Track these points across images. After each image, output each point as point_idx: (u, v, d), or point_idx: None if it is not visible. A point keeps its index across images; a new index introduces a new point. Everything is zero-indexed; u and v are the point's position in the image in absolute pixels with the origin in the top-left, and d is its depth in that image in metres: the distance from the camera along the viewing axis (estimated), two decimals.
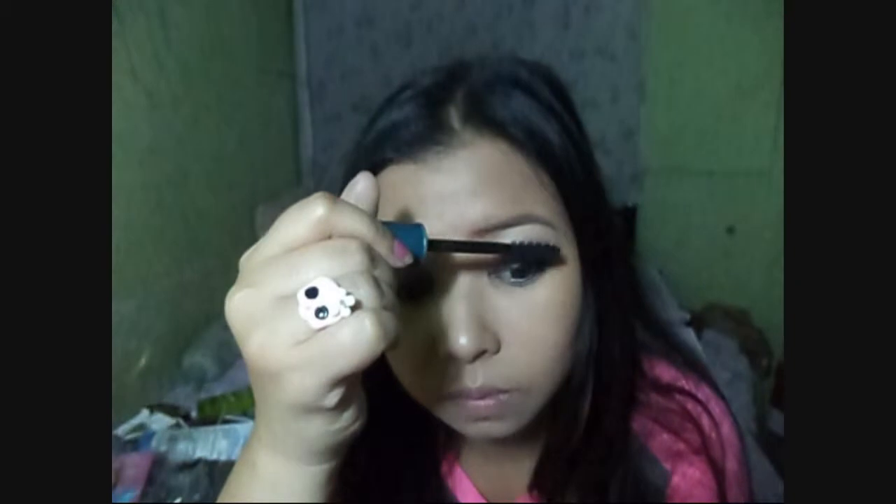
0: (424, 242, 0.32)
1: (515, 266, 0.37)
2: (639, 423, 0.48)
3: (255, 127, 2.11)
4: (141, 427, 1.43)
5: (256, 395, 0.30)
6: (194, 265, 1.75)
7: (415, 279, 0.36)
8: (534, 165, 0.38)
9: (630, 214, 2.23)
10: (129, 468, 1.24)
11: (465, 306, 0.36)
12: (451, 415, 0.40)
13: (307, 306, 0.25)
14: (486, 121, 0.38)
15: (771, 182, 1.96)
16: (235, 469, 0.34)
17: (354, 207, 0.28)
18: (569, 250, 0.39)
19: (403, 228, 0.31)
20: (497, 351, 0.37)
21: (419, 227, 0.32)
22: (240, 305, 0.27)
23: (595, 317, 0.41)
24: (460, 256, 0.36)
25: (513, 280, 0.37)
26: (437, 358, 0.37)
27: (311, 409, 0.27)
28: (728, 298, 2.19)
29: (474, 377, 0.37)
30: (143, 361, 1.58)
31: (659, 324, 0.52)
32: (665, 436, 0.48)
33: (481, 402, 0.38)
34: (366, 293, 0.26)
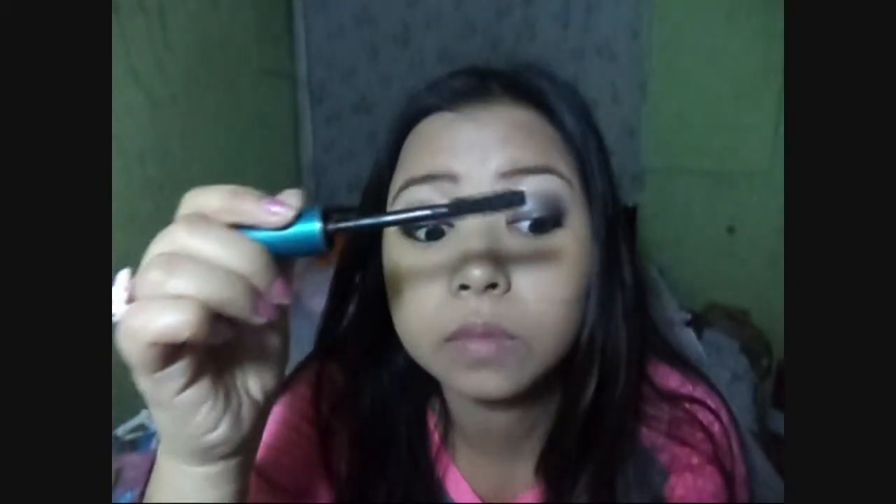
0: (318, 227, 0.28)
1: (535, 216, 0.39)
2: (649, 438, 0.48)
3: (255, 127, 2.11)
4: (141, 427, 1.43)
5: None
6: None
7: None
8: (559, 132, 0.42)
9: (630, 214, 2.23)
10: (129, 468, 1.24)
11: (481, 242, 0.37)
12: (450, 361, 0.40)
13: (113, 296, 0.27)
14: (521, 92, 0.43)
15: (771, 182, 1.96)
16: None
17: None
18: (582, 213, 0.41)
19: (296, 234, 0.28)
20: (507, 290, 0.38)
21: (311, 212, 0.28)
22: None
23: (601, 290, 0.42)
24: (483, 188, 0.38)
25: (529, 231, 0.39)
26: (446, 295, 0.38)
27: (141, 374, 0.28)
28: (728, 298, 2.19)
29: (481, 312, 0.37)
30: None
31: (656, 325, 0.52)
32: (676, 448, 0.48)
33: (483, 344, 0.38)
34: (140, 286, 0.26)
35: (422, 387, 0.46)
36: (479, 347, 0.38)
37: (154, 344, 0.26)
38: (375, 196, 0.45)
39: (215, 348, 0.29)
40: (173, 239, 0.27)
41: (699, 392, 0.49)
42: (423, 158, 0.40)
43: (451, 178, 0.39)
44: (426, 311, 0.39)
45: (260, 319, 0.27)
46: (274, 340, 0.33)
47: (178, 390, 0.28)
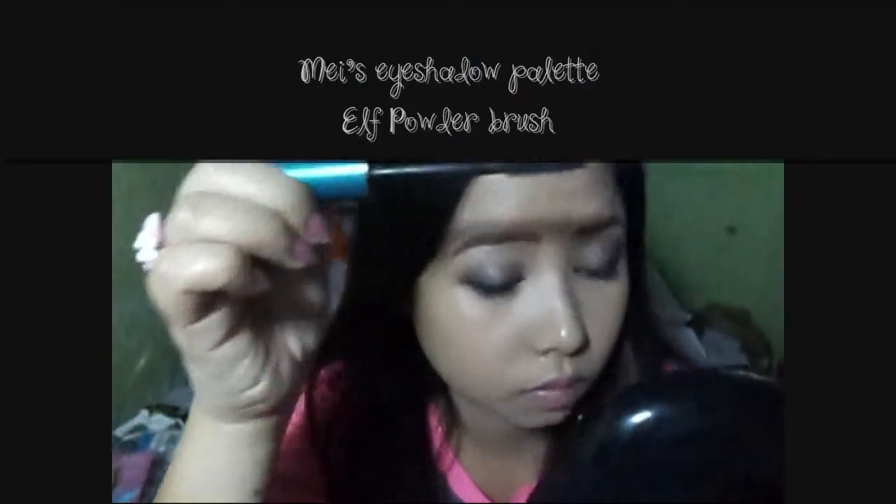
0: (364, 175, 0.28)
1: (596, 262, 0.38)
2: None
3: None
4: (140, 427, 1.43)
5: None
6: None
7: (504, 274, 0.36)
8: (615, 177, 0.40)
9: None
10: (129, 469, 1.24)
11: (566, 300, 0.36)
12: (520, 407, 0.40)
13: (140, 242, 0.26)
14: None
15: (771, 182, 1.96)
16: None
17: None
18: (626, 252, 0.41)
19: (340, 175, 0.28)
20: (588, 345, 0.38)
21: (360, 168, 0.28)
22: None
23: (631, 311, 0.43)
24: (551, 253, 0.36)
25: (593, 274, 0.38)
26: (527, 352, 0.38)
27: (177, 325, 0.26)
28: (728, 298, 2.19)
29: (566, 368, 0.38)
30: (142, 361, 1.58)
31: (660, 325, 0.53)
32: None
33: (564, 394, 0.39)
34: (170, 230, 0.26)
35: (427, 386, 0.46)
36: (560, 397, 0.39)
37: (188, 292, 0.24)
38: (415, 242, 0.39)
39: (254, 300, 0.27)
40: (205, 177, 0.25)
41: None
42: (495, 209, 0.35)
43: (533, 236, 0.36)
44: (502, 366, 0.38)
45: (296, 263, 0.25)
46: (314, 292, 0.30)
47: (215, 343, 0.26)
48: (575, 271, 0.38)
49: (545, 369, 0.38)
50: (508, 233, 0.36)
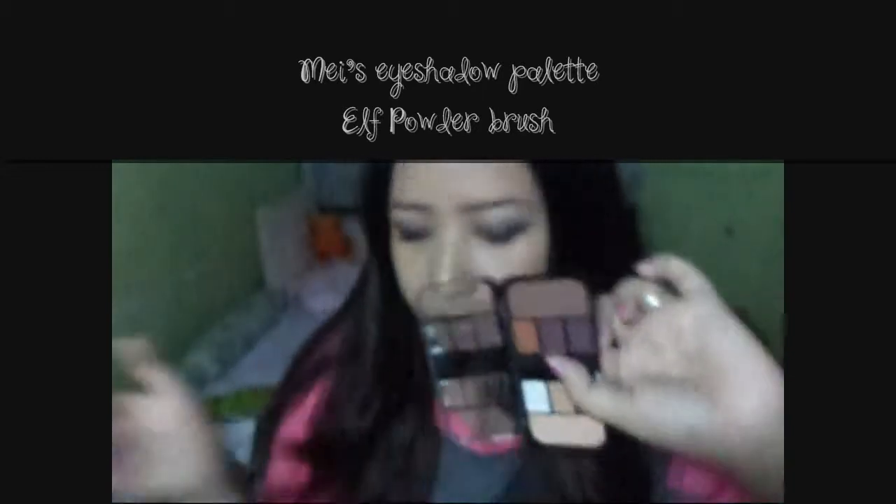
0: None
1: (493, 229, 0.45)
2: None
3: None
4: None
5: None
6: (194, 266, 1.75)
7: (418, 229, 0.46)
8: (530, 168, 0.45)
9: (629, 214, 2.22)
10: None
11: (451, 252, 0.45)
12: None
13: None
14: None
15: (770, 182, 1.96)
16: None
17: None
18: (540, 221, 0.46)
19: None
20: (473, 293, 0.45)
21: None
22: None
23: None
24: (447, 220, 0.44)
25: (491, 239, 0.45)
26: (430, 286, 0.46)
27: None
28: (727, 298, 2.17)
29: (452, 306, 0.45)
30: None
31: None
32: None
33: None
34: None
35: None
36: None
37: None
38: (375, 189, 0.49)
39: None
40: None
41: None
42: (408, 185, 0.46)
43: (425, 208, 0.45)
44: (418, 296, 0.47)
45: None
46: None
47: None
48: (476, 234, 0.45)
49: (437, 301, 0.46)
50: (409, 205, 0.46)
